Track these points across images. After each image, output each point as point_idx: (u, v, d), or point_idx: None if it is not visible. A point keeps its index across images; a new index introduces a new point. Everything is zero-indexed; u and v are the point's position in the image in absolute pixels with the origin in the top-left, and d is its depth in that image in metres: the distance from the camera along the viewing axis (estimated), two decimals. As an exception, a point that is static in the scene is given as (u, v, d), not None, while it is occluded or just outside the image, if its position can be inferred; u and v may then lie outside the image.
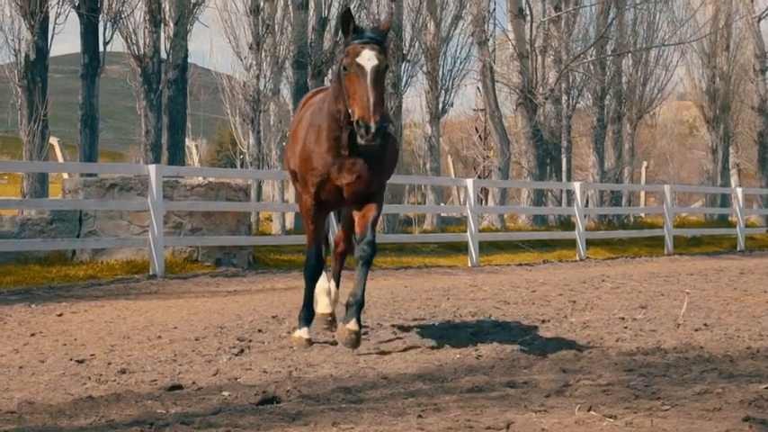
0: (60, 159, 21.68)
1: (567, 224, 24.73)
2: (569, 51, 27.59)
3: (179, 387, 4.93)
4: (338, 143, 6.19)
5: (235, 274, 13.56)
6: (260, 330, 7.44)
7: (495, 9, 37.95)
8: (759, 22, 35.14)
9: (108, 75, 22.56)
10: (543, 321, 7.85)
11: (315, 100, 6.92)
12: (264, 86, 22.30)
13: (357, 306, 6.13)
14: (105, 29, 19.20)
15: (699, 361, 5.41)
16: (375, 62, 5.86)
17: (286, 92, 23.41)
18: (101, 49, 19.08)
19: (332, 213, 7.55)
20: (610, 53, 29.23)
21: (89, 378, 5.42)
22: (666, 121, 51.39)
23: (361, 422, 3.84)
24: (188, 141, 26.05)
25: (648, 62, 30.76)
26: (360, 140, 5.77)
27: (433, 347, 6.36)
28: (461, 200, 24.18)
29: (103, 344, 6.92)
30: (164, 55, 20.30)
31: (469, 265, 17.04)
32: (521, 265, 17.48)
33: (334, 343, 6.61)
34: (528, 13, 26.61)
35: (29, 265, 13.03)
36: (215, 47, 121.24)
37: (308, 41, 22.12)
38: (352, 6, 20.84)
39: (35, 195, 17.34)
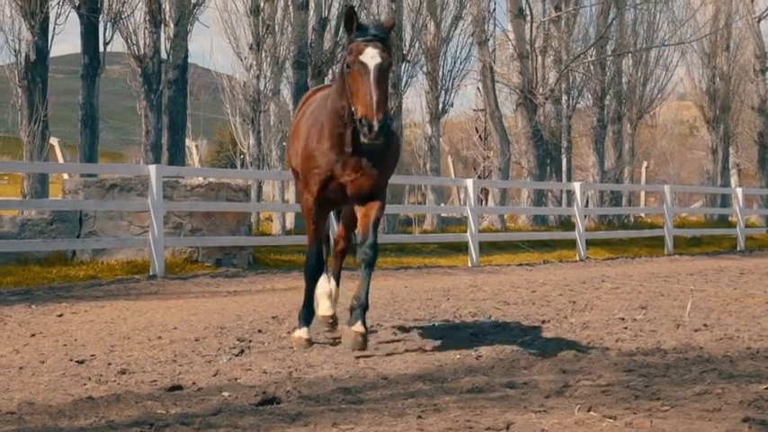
0: (60, 160, 21.69)
1: (567, 224, 24.73)
2: (569, 51, 27.59)
3: (179, 388, 4.93)
4: (341, 140, 6.16)
5: (235, 275, 13.56)
6: (260, 331, 7.44)
7: (495, 9, 38.04)
8: (759, 22, 35.15)
9: (108, 75, 22.56)
10: (543, 322, 7.84)
11: (315, 98, 6.89)
12: (265, 87, 22.30)
13: (361, 309, 6.13)
14: (105, 29, 19.23)
15: (698, 361, 5.41)
16: (378, 60, 5.84)
17: (286, 92, 23.44)
18: (101, 49, 19.08)
19: (332, 212, 7.53)
20: (610, 53, 29.23)
21: (89, 379, 5.42)
22: (666, 121, 51.40)
23: (360, 423, 3.84)
24: (188, 141, 26.05)
25: (648, 62, 30.77)
26: (363, 139, 5.76)
27: (432, 348, 6.36)
28: (461, 200, 24.18)
29: (103, 344, 6.92)
30: (164, 55, 20.31)
31: (470, 265, 17.04)
32: (521, 265, 17.48)
33: (335, 343, 6.62)
34: (528, 13, 26.61)
35: (29, 266, 13.03)
36: (215, 47, 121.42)
37: (309, 42, 22.12)
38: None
39: (35, 196, 17.35)
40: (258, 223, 21.44)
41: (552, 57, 27.12)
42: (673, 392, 4.30)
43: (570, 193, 26.46)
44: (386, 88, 5.92)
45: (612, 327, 7.44)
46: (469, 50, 25.75)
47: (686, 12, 32.64)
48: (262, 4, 22.04)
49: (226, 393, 4.66)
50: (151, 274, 12.92)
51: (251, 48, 22.04)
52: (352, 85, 5.85)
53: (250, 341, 6.88)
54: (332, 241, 7.62)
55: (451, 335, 7.04)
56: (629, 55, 30.02)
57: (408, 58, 23.47)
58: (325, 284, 6.86)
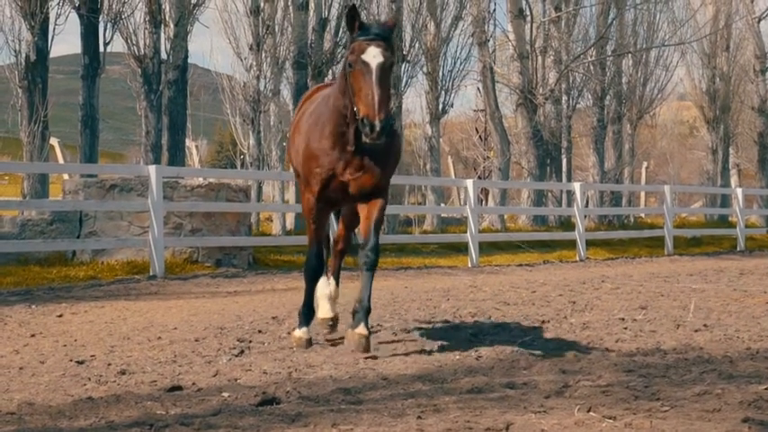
0: (61, 160, 21.71)
1: (567, 225, 24.73)
2: (569, 52, 27.59)
3: (179, 388, 4.93)
4: (344, 139, 6.14)
5: (235, 275, 13.57)
6: (260, 331, 7.43)
7: (495, 10, 37.92)
8: (759, 22, 35.15)
9: (108, 75, 22.56)
10: (543, 322, 7.84)
11: (316, 97, 6.87)
12: (265, 87, 22.30)
13: (364, 312, 6.12)
14: (105, 29, 19.22)
15: (698, 362, 5.41)
16: (380, 59, 5.82)
17: (286, 92, 23.42)
18: (101, 49, 19.08)
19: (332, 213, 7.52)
20: (610, 53, 29.23)
21: (89, 379, 5.42)
22: (666, 121, 51.40)
23: (360, 423, 3.84)
24: (188, 142, 26.05)
25: (648, 62, 30.78)
26: (365, 139, 5.74)
27: (432, 348, 6.36)
28: (461, 200, 24.18)
29: (103, 345, 6.92)
30: (164, 55, 20.31)
31: (469, 265, 17.05)
32: (521, 265, 17.48)
33: (334, 344, 6.62)
34: (528, 13, 26.62)
35: (29, 266, 13.04)
36: (215, 47, 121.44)
37: (309, 42, 22.13)
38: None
39: (35, 196, 17.35)
40: (258, 223, 21.45)
41: (552, 57, 27.13)
42: (672, 393, 4.31)
43: (570, 194, 26.46)
44: (388, 88, 5.88)
45: (612, 327, 7.45)
46: (469, 51, 25.79)
47: (686, 12, 32.67)
48: (262, 5, 22.04)
49: (225, 394, 4.66)
50: (151, 274, 12.93)
51: (251, 48, 22.04)
52: (354, 85, 5.83)
53: (250, 341, 6.88)
54: (331, 241, 7.61)
55: (451, 335, 7.04)
56: (629, 55, 30.03)
57: (408, 58, 23.48)
58: (325, 287, 6.81)
